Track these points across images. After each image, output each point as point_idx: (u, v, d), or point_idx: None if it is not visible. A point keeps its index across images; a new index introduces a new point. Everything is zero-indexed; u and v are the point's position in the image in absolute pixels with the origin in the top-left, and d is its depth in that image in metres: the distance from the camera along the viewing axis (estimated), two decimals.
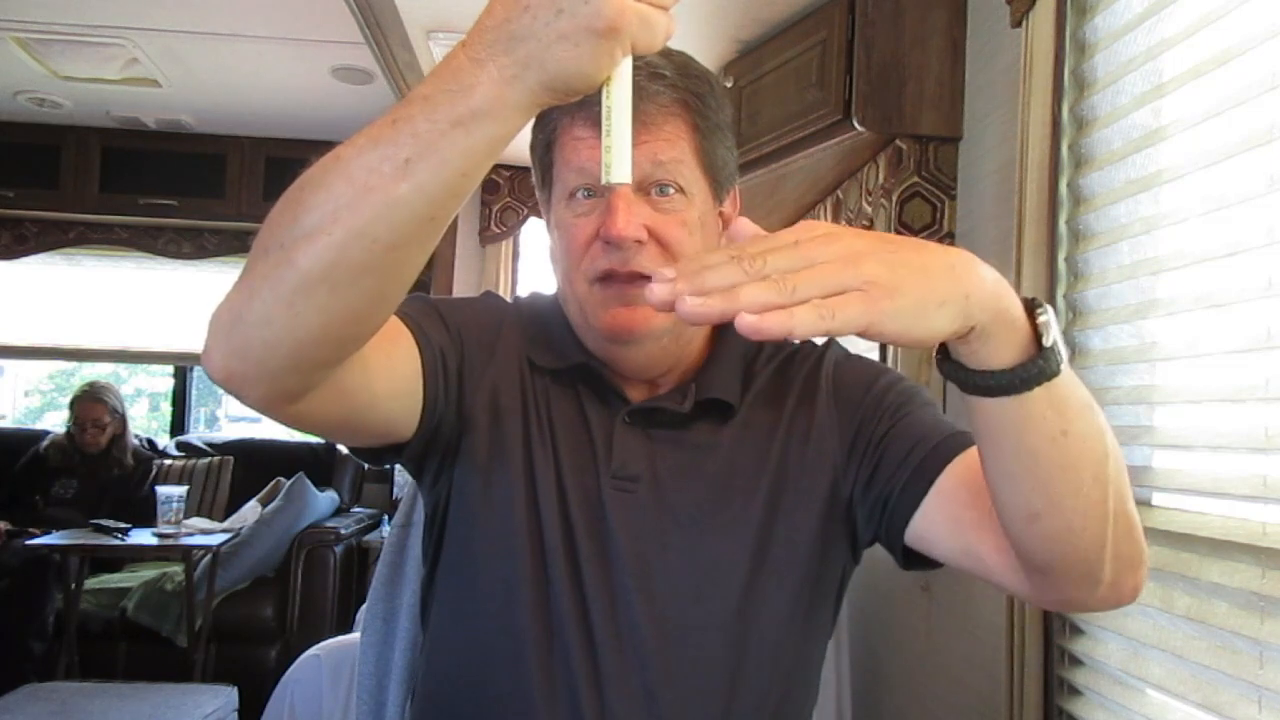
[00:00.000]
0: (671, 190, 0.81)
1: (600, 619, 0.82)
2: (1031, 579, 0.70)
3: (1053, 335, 0.58)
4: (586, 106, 0.78)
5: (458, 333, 0.85)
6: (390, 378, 0.76)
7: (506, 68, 0.54)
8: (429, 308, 0.85)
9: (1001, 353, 0.57)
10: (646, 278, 0.80)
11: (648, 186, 0.80)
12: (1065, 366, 0.59)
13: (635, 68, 0.71)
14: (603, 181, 0.56)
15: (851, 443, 0.86)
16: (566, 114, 0.82)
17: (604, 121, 0.55)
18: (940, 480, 0.78)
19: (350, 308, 0.61)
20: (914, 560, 0.83)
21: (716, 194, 0.87)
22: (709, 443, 0.87)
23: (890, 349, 1.79)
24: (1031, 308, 0.58)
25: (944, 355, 0.60)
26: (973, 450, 0.78)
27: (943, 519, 0.77)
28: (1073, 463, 0.62)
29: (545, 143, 0.86)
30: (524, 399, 0.87)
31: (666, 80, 0.80)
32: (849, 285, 0.49)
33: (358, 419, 0.76)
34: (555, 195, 0.85)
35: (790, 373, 0.91)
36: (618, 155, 0.55)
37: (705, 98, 0.83)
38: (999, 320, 0.56)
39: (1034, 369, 0.57)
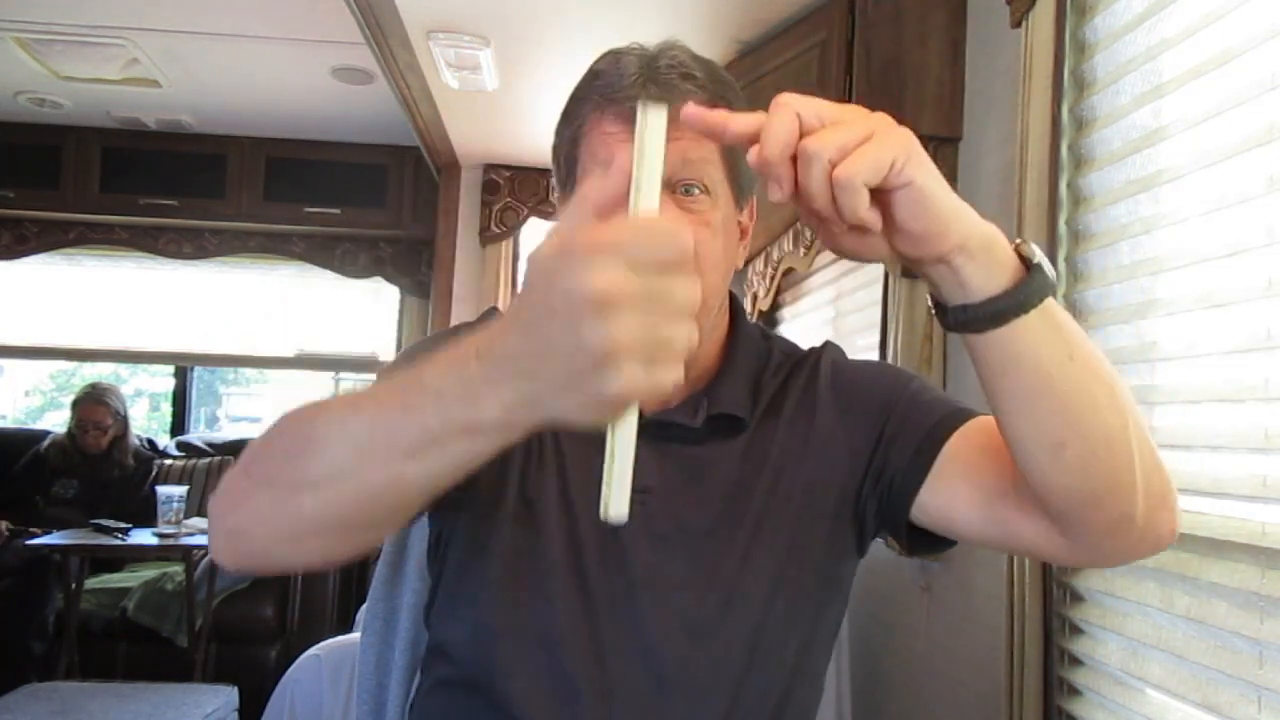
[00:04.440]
0: (697, 190, 0.80)
1: (606, 626, 0.82)
2: (1066, 531, 0.70)
3: (1038, 255, 0.62)
4: (617, 101, 0.78)
5: None
6: None
7: (518, 394, 0.53)
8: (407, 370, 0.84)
9: (995, 276, 0.61)
10: None
11: (674, 185, 0.79)
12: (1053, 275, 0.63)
13: (669, 69, 0.77)
14: (600, 516, 0.54)
15: (874, 445, 0.85)
16: (596, 108, 0.81)
17: (607, 459, 0.54)
18: (949, 450, 0.78)
19: (358, 543, 0.65)
20: (920, 543, 0.83)
21: (738, 201, 0.86)
22: (720, 456, 0.86)
23: (890, 335, 1.79)
24: (1011, 239, 0.63)
25: (943, 309, 0.64)
26: (981, 419, 0.79)
27: (965, 489, 0.77)
28: (1086, 385, 0.64)
29: (572, 138, 0.84)
30: None
31: (698, 81, 0.79)
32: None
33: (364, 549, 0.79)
34: None
35: (793, 380, 0.91)
36: (617, 492, 0.53)
37: (734, 104, 0.82)
38: (987, 241, 0.60)
39: (1032, 285, 0.61)
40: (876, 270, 2.07)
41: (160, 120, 3.75)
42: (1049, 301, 0.62)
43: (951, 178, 1.74)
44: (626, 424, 0.53)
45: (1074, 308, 1.32)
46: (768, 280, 2.91)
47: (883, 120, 0.56)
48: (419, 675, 1.01)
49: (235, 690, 2.56)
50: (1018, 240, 0.63)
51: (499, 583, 0.84)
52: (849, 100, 1.77)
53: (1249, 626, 0.95)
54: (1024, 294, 0.61)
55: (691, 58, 0.81)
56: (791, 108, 0.56)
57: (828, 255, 2.47)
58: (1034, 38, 1.35)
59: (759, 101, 1.07)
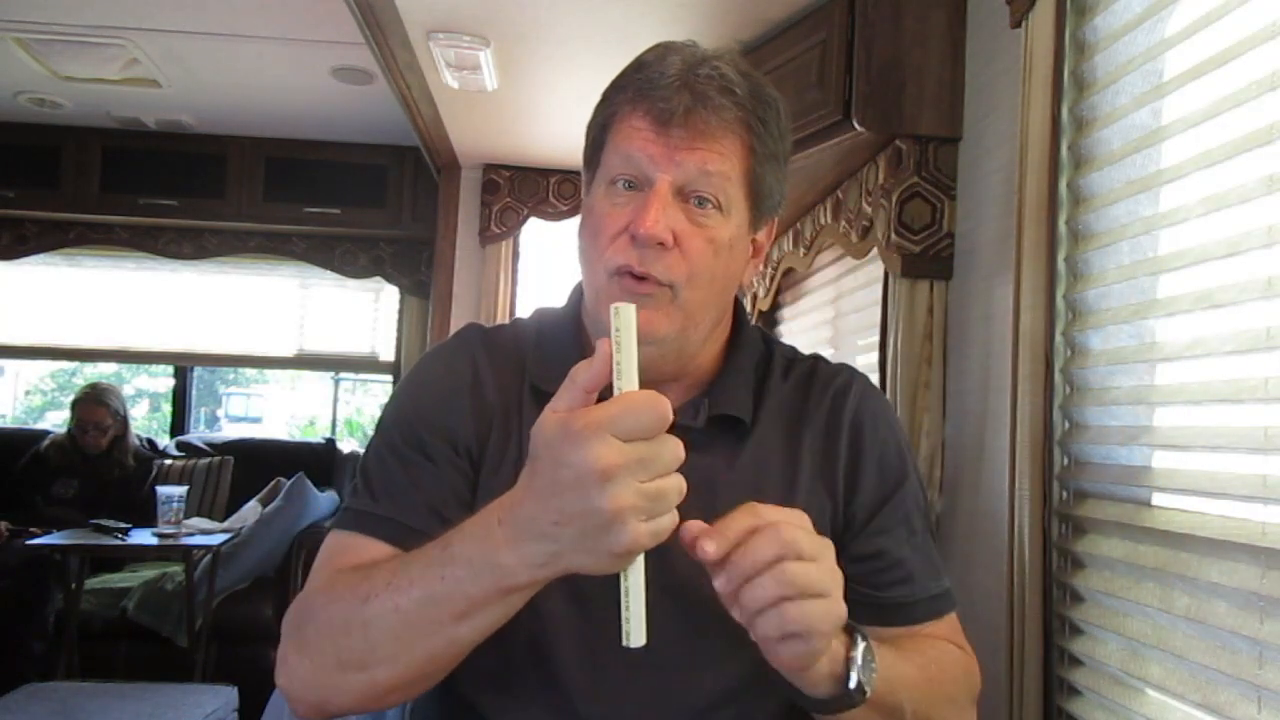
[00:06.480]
0: (710, 204, 0.80)
1: (601, 631, 0.81)
2: None
3: (855, 678, 0.70)
4: (650, 98, 0.79)
5: (437, 451, 0.84)
6: None
7: (537, 555, 0.62)
8: (399, 466, 0.84)
9: (819, 686, 0.70)
10: (657, 281, 0.80)
11: (688, 194, 0.79)
12: (874, 690, 0.71)
13: (708, 78, 0.78)
14: (623, 644, 0.61)
15: (866, 511, 0.87)
16: (628, 101, 0.81)
17: (623, 597, 0.61)
18: (890, 635, 0.82)
19: (427, 687, 0.74)
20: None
21: (755, 220, 0.85)
22: (723, 459, 0.86)
23: (890, 335, 1.79)
24: (852, 635, 0.71)
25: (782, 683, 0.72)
26: (936, 625, 0.87)
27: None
28: None
29: (601, 123, 0.84)
30: (522, 429, 0.86)
31: (735, 98, 0.79)
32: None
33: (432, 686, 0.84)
34: (598, 177, 0.84)
35: (812, 397, 0.90)
36: (635, 625, 0.61)
37: (769, 124, 0.82)
38: (819, 672, 0.69)
39: (834, 704, 0.70)
40: (876, 270, 2.07)
41: (160, 120, 3.75)
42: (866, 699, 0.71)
43: (951, 177, 1.74)
44: (636, 567, 0.62)
45: (1074, 308, 1.32)
46: (767, 280, 2.91)
47: (839, 582, 0.66)
48: None
49: (235, 690, 2.56)
50: (852, 653, 0.70)
51: None
52: (849, 99, 1.77)
53: (1249, 626, 0.95)
54: (838, 704, 0.71)
55: (737, 71, 0.81)
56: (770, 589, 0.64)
57: (828, 255, 2.47)
58: (1034, 38, 1.35)
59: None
